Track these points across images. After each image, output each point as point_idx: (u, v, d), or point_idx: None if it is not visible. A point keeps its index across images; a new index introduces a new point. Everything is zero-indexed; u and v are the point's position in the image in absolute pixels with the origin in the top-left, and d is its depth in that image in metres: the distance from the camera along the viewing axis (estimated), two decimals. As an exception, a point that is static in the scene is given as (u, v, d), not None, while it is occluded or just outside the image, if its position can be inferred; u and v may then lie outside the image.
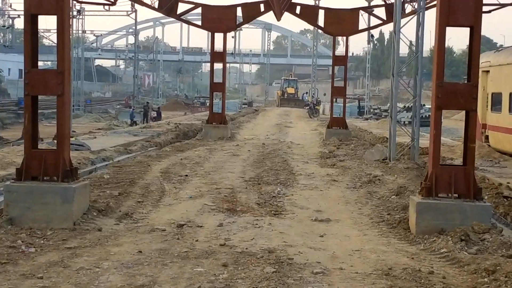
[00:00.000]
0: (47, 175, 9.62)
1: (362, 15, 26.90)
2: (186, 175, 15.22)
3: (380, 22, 26.75)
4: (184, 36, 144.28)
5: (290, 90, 72.47)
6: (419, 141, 18.45)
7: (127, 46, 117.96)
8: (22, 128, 40.41)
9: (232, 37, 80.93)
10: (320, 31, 32.33)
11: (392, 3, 23.80)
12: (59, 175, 9.61)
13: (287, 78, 78.21)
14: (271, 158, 19.46)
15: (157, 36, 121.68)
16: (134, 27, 78.54)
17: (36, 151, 9.69)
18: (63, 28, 9.71)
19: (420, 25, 18.05)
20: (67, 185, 9.57)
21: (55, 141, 19.12)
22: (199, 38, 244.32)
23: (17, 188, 9.56)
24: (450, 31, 14.78)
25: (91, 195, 10.90)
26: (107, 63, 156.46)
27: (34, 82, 9.74)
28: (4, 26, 59.27)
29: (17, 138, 34.18)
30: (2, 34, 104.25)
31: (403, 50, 20.21)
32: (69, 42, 9.81)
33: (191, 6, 25.72)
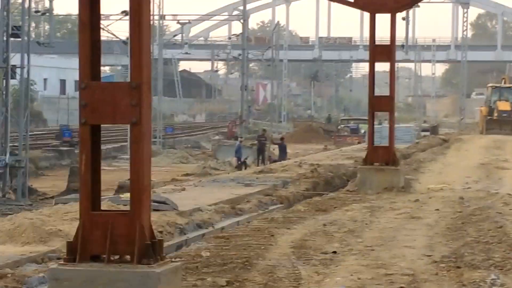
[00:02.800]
0: (115, 253, 9.30)
1: None
2: (334, 252, 14.40)
3: None
4: (322, 20, 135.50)
5: (504, 106, 65.61)
6: None
7: (229, 38, 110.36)
8: (69, 174, 40.15)
9: (403, 19, 74.07)
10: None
11: None
12: (135, 253, 9.21)
13: (498, 85, 70.84)
14: (476, 222, 18.01)
15: (278, 21, 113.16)
16: (241, 7, 73.43)
17: (98, 215, 9.38)
18: (140, 13, 9.02)
19: None
20: (148, 269, 9.16)
21: (123, 196, 17.09)
22: (345, 23, 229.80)
23: (70, 274, 9.10)
24: None
25: (183, 285, 10.78)
26: (198, 66, 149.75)
27: (96, 104, 9.18)
28: (38, 11, 55.01)
29: (60, 190, 34.24)
30: (34, 25, 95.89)
31: None
32: (149, 37, 9.25)
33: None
